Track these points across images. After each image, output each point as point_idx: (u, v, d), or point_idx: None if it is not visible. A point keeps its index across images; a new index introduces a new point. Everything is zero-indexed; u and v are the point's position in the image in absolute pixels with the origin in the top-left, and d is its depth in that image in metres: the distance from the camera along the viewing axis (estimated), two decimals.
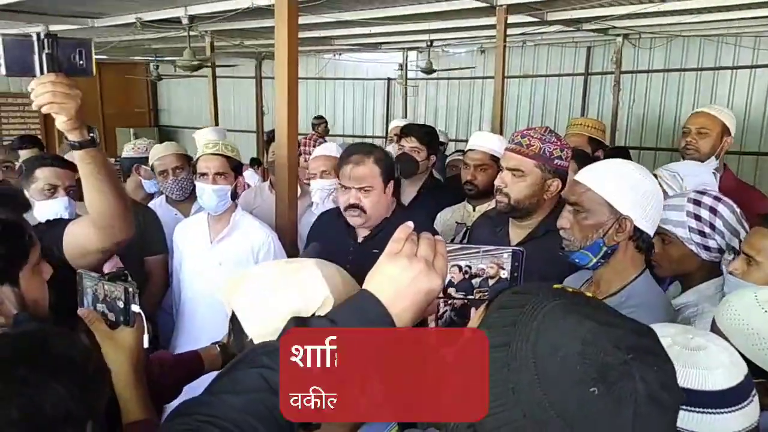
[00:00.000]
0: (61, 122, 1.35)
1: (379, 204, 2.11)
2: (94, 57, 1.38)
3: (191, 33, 5.22)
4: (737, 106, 7.30)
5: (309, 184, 3.05)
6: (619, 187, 1.42)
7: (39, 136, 6.99)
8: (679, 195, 1.81)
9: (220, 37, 6.32)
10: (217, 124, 6.36)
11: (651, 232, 1.45)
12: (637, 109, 8.21)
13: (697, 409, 0.90)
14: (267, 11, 4.13)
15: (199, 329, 2.39)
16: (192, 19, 4.93)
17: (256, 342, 0.90)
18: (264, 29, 5.70)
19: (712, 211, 1.64)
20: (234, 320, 0.96)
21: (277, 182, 2.72)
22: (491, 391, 0.63)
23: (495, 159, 2.64)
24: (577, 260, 1.49)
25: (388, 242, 0.83)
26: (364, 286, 0.82)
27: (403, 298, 0.79)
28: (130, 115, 12.92)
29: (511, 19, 4.86)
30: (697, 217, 1.63)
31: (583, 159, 2.63)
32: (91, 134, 1.40)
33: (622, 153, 3.93)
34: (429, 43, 7.42)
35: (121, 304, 1.15)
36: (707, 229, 1.63)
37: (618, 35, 7.28)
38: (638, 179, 1.44)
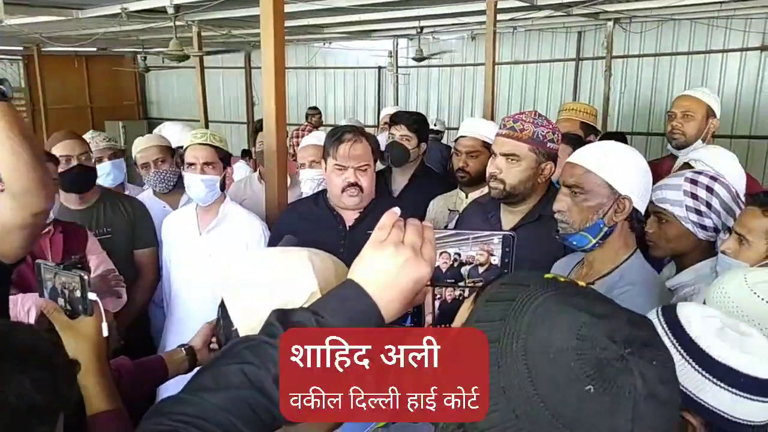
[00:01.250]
0: None
1: (372, 182, 2.11)
2: None
3: (177, 23, 5.15)
4: (728, 89, 7.30)
5: (297, 174, 3.01)
6: (618, 167, 1.42)
7: None
8: (675, 174, 1.80)
9: (207, 26, 6.24)
10: (206, 115, 6.30)
11: (643, 210, 1.46)
12: (628, 94, 8.19)
13: (747, 395, 0.88)
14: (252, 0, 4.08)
15: (190, 321, 2.35)
16: (178, 8, 4.86)
17: (241, 333, 0.88)
18: (252, 18, 5.63)
19: (709, 190, 1.65)
20: (223, 307, 0.93)
21: (266, 172, 2.69)
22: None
23: (486, 145, 2.61)
24: (575, 243, 1.47)
25: (375, 228, 0.79)
26: (348, 276, 0.78)
27: (390, 287, 0.76)
28: (119, 108, 12.80)
29: (501, 4, 4.83)
30: (694, 196, 1.64)
31: (577, 143, 2.61)
32: (1, 86, 1.26)
33: (618, 138, 3.91)
34: (419, 30, 7.37)
35: (78, 294, 1.14)
36: (704, 208, 1.63)
37: (609, 20, 7.25)
38: (634, 159, 1.44)
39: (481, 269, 0.89)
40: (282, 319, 0.74)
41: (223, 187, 2.49)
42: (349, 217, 2.14)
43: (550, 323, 0.59)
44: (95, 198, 2.66)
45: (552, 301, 0.61)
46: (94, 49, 9.93)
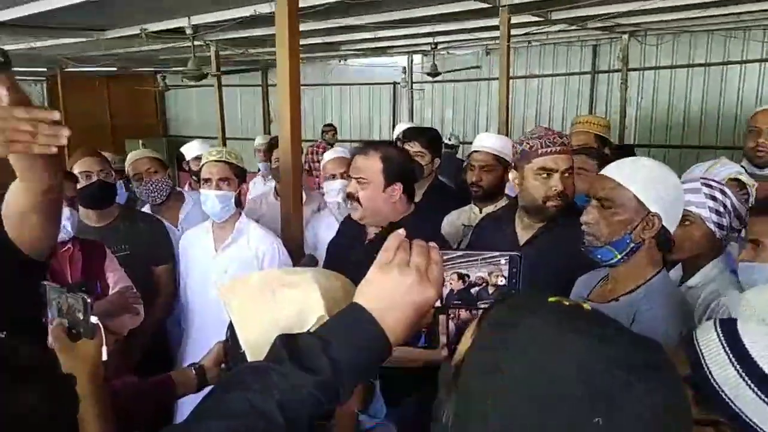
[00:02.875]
0: None
1: (377, 201, 2.03)
2: None
3: (196, 43, 5.25)
4: (747, 101, 7.21)
5: (320, 189, 3.02)
6: (649, 183, 1.41)
7: None
8: (690, 180, 1.84)
9: (224, 46, 6.35)
10: (223, 132, 6.39)
11: (672, 229, 1.45)
12: (645, 106, 8.13)
13: None
14: (269, 19, 4.15)
15: (207, 338, 2.35)
16: (196, 28, 4.96)
17: (248, 356, 0.88)
18: (268, 37, 5.71)
19: (722, 193, 1.74)
20: (231, 329, 0.94)
21: (282, 188, 2.72)
22: (484, 418, 0.58)
23: (499, 160, 2.61)
24: (600, 256, 1.46)
25: (380, 250, 0.79)
26: (354, 299, 0.78)
27: (395, 310, 0.75)
28: (140, 127, 12.99)
29: (515, 19, 4.84)
30: (713, 198, 1.72)
31: (600, 157, 2.60)
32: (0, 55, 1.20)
33: (627, 151, 3.89)
34: (434, 46, 7.41)
35: (81, 316, 1.15)
36: (722, 209, 1.71)
37: (624, 32, 7.23)
38: (666, 177, 1.44)
39: (490, 290, 0.89)
40: (288, 345, 0.74)
41: (238, 203, 2.51)
42: (371, 232, 2.12)
43: (552, 350, 0.58)
44: (114, 215, 2.70)
45: (554, 326, 0.60)
46: (115, 69, 10.13)
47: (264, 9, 4.15)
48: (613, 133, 7.73)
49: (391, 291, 0.76)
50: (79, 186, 2.47)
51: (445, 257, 0.84)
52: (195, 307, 2.58)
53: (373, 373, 0.84)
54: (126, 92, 12.53)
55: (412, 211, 2.14)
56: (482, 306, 0.90)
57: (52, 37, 5.40)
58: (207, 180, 2.44)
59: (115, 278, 2.37)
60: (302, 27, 2.70)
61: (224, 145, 6.40)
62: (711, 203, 1.71)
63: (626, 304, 1.41)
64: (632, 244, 1.41)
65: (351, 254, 2.06)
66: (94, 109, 12.30)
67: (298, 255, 2.53)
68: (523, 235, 1.97)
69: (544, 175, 1.90)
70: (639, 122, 8.16)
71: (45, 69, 10.11)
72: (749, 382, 0.89)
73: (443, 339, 1.01)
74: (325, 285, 0.92)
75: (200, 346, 2.39)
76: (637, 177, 1.41)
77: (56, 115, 1.11)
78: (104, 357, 1.18)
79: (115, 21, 5.04)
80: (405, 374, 1.43)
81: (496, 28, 5.47)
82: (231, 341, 0.93)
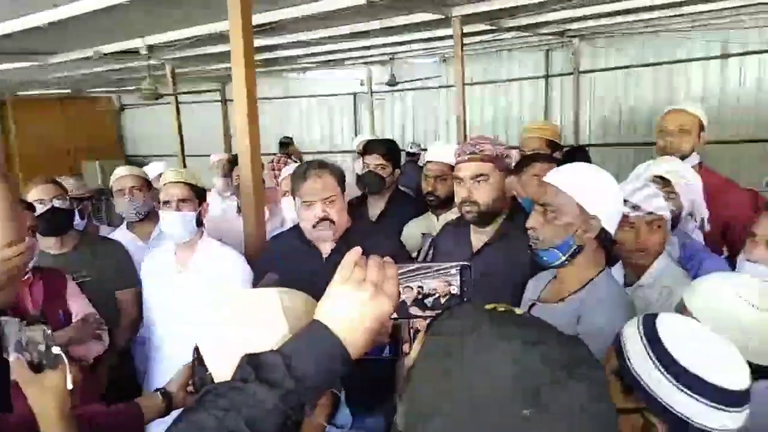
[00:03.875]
0: None
1: (343, 213, 2.13)
2: None
3: (151, 62, 5.21)
4: (693, 98, 7.50)
5: (278, 205, 3.05)
6: (588, 189, 1.48)
7: None
8: (645, 186, 1.88)
9: (181, 64, 6.31)
10: (183, 150, 6.34)
11: (613, 230, 1.52)
12: (598, 107, 8.37)
13: (710, 404, 0.95)
14: (225, 37, 4.16)
15: (173, 360, 2.35)
16: (151, 48, 4.92)
17: (215, 377, 0.90)
18: (224, 54, 5.70)
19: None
20: (197, 351, 0.96)
21: (243, 204, 2.72)
22: (433, 422, 0.62)
23: (452, 168, 2.69)
24: (545, 258, 1.53)
25: (338, 268, 0.83)
26: (315, 316, 0.82)
27: (354, 324, 0.80)
28: (97, 148, 12.74)
29: (467, 28, 4.95)
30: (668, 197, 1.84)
31: (549, 161, 2.69)
32: None
33: (581, 152, 4.01)
34: (391, 57, 7.50)
35: (42, 348, 1.15)
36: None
37: (574, 36, 7.44)
38: (604, 182, 1.51)
39: (443, 300, 0.94)
40: (253, 363, 0.77)
41: (200, 222, 2.51)
42: (325, 249, 2.16)
43: (488, 353, 0.63)
44: (74, 242, 2.67)
45: (489, 332, 0.65)
46: (69, 90, 9.94)
47: (221, 27, 4.15)
48: (568, 134, 7.98)
49: (349, 306, 0.80)
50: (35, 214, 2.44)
51: (400, 271, 0.88)
52: (160, 330, 2.56)
53: (335, 384, 0.88)
54: (82, 114, 12.30)
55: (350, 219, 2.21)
56: (433, 314, 0.95)
57: None
58: (167, 202, 2.44)
59: (78, 306, 2.35)
60: (259, 42, 2.72)
61: (184, 162, 6.35)
62: (670, 204, 1.82)
63: (572, 305, 1.48)
64: (575, 246, 1.48)
65: (307, 273, 2.08)
66: (50, 132, 12.02)
67: (261, 272, 2.54)
68: (476, 243, 2.04)
69: (459, 182, 2.01)
70: (592, 123, 8.39)
71: None
72: (662, 369, 0.96)
73: (405, 347, 1.06)
74: (287, 304, 0.95)
75: (167, 367, 2.38)
76: (577, 182, 1.49)
77: None
78: (69, 386, 1.17)
79: (66, 44, 4.96)
80: (374, 384, 1.47)
81: (450, 37, 5.59)
82: (197, 364, 0.95)
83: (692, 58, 7.55)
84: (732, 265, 1.95)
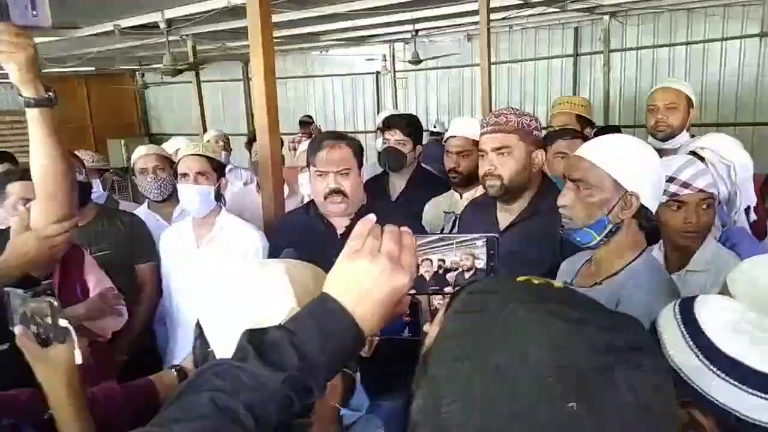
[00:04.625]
0: (12, 74, 1.31)
1: (358, 188, 2.05)
2: (48, 6, 1.32)
3: (170, 38, 5.16)
4: (729, 78, 7.24)
5: (298, 184, 2.99)
6: (625, 162, 1.36)
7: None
8: (690, 162, 1.76)
9: (201, 40, 6.25)
10: (204, 127, 6.31)
11: (654, 208, 1.40)
12: (628, 87, 8.13)
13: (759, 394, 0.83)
14: (245, 10, 4.08)
15: (192, 337, 2.33)
16: (170, 23, 4.87)
17: (217, 354, 0.84)
18: (245, 29, 5.63)
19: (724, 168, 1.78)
20: (199, 327, 0.90)
21: (262, 181, 2.67)
22: (452, 410, 0.54)
23: (477, 144, 2.59)
24: (578, 239, 1.43)
25: (349, 237, 0.75)
26: (324, 289, 0.74)
27: (367, 299, 0.72)
28: (121, 126, 12.83)
29: (494, 2, 4.79)
30: (715, 176, 1.72)
31: (574, 137, 2.58)
32: (49, 93, 1.34)
33: (613, 131, 3.87)
34: (414, 33, 7.35)
35: (49, 320, 1.10)
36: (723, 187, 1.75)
37: (605, 13, 7.21)
38: (644, 154, 1.39)
39: (467, 275, 0.85)
40: (254, 341, 0.70)
41: (218, 197, 2.47)
42: (340, 225, 2.09)
43: (523, 335, 0.54)
44: (92, 215, 2.64)
45: (524, 309, 0.56)
46: (93, 68, 9.97)
47: (237, 0, 4.07)
48: (598, 114, 7.75)
49: (361, 279, 0.72)
50: None
51: (419, 242, 0.80)
52: (179, 306, 2.53)
53: (346, 364, 0.80)
54: (105, 92, 12.36)
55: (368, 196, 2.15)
56: (456, 290, 0.87)
57: None
58: (185, 175, 2.39)
59: (95, 280, 2.31)
60: (279, 18, 2.65)
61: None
62: (720, 182, 1.72)
63: (609, 288, 1.38)
64: (611, 226, 1.37)
65: (322, 252, 2.03)
66: (74, 111, 12.11)
67: (278, 249, 2.49)
68: (503, 221, 1.94)
69: (483, 156, 1.91)
70: (623, 103, 8.16)
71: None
72: (703, 358, 0.86)
73: (426, 328, 0.98)
74: (295, 275, 0.88)
75: (186, 344, 2.36)
76: (612, 156, 1.37)
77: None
78: (78, 360, 1.13)
79: (86, 17, 4.94)
80: (392, 364, 1.40)
81: (475, 12, 5.43)
82: (198, 341, 0.89)
83: (728, 37, 7.27)
84: None
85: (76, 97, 12.17)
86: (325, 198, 2.02)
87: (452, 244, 0.84)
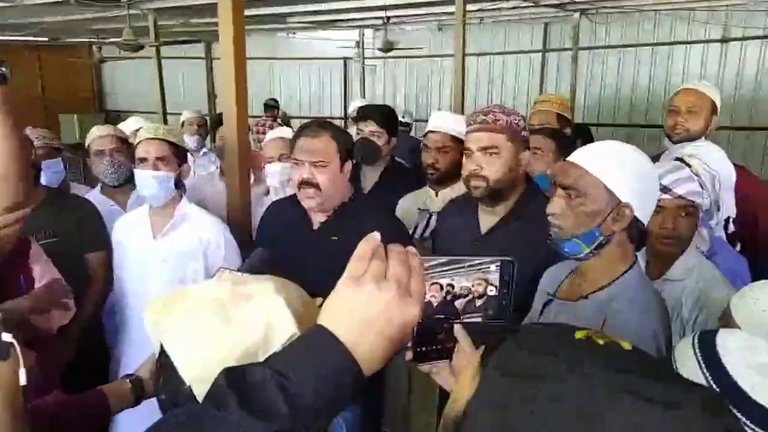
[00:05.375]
0: None
1: (335, 183, 1.92)
2: None
3: (131, 11, 4.88)
4: (691, 80, 7.35)
5: (263, 170, 2.86)
6: (621, 171, 1.28)
7: None
8: (677, 168, 1.72)
9: (163, 15, 5.96)
10: (164, 107, 6.04)
11: (646, 221, 1.33)
12: (594, 85, 8.21)
13: None
14: None
15: (143, 336, 2.18)
16: None
17: (197, 391, 0.70)
18: (210, 5, 5.39)
19: (710, 180, 1.71)
20: (164, 357, 0.75)
21: (227, 169, 2.53)
22: None
23: (456, 140, 2.50)
24: (566, 250, 1.35)
25: (348, 261, 0.64)
26: (319, 320, 0.63)
27: (371, 334, 0.61)
28: (74, 101, 12.27)
29: None
30: (702, 185, 1.65)
31: (560, 137, 2.51)
32: (2, 68, 1.25)
33: (583, 131, 3.85)
34: (386, 20, 7.21)
35: None
36: (708, 197, 1.68)
37: (575, 11, 7.22)
38: (640, 164, 1.31)
39: (478, 302, 0.75)
40: (236, 383, 0.58)
41: (178, 185, 2.31)
42: (316, 219, 1.98)
43: (600, 421, 0.44)
44: (39, 200, 2.44)
45: (597, 383, 0.46)
46: (46, 39, 9.45)
47: None
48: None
49: (365, 310, 0.61)
50: None
51: (426, 264, 0.70)
52: (131, 298, 2.37)
53: (341, 409, 0.69)
54: (59, 64, 11.77)
55: (354, 192, 2.04)
56: (468, 320, 0.77)
57: None
58: (143, 159, 2.22)
59: (41, 270, 2.13)
60: None
61: (165, 120, 6.06)
62: (704, 191, 1.65)
63: (597, 303, 1.30)
64: (601, 237, 1.30)
65: (294, 245, 1.91)
66: (24, 82, 11.50)
67: (245, 242, 2.35)
68: (485, 224, 1.86)
69: (468, 155, 1.83)
70: (588, 101, 8.23)
71: None
72: (733, 410, 0.79)
73: (408, 354, 0.88)
74: (287, 296, 0.75)
75: (139, 345, 2.21)
76: (607, 164, 1.29)
77: None
78: (23, 381, 0.98)
79: None
80: None
81: (449, 2, 5.34)
82: (165, 374, 0.76)
83: (692, 41, 7.40)
84: (754, 264, 1.82)
85: (26, 68, 11.55)
86: (299, 188, 1.91)
87: (462, 267, 0.74)
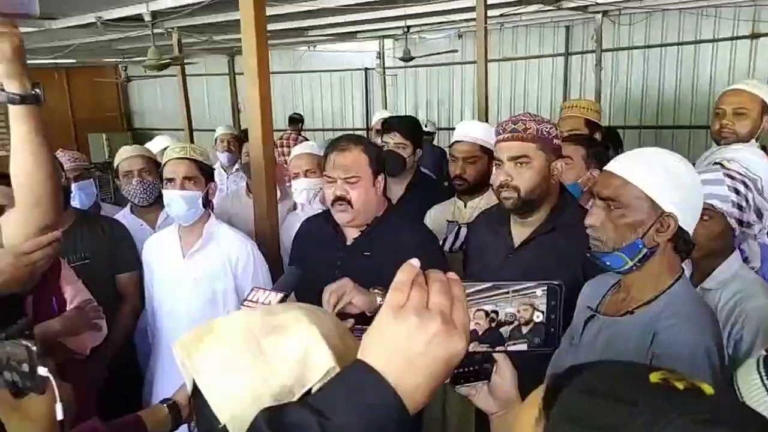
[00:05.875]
0: None
1: (368, 198, 1.89)
2: None
3: (155, 30, 4.96)
4: (720, 79, 7.20)
5: (290, 186, 2.85)
6: (663, 180, 1.23)
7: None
8: (708, 170, 1.66)
9: (187, 33, 6.05)
10: (190, 124, 6.11)
11: (691, 230, 1.27)
12: (619, 87, 8.08)
13: None
14: (233, 3, 3.91)
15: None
16: (155, 15, 4.67)
17: (231, 428, 0.67)
18: (233, 23, 5.45)
19: (745, 185, 1.59)
20: (198, 396, 0.72)
21: (254, 185, 2.52)
22: None
23: (484, 150, 2.46)
24: (609, 263, 1.29)
25: (390, 288, 0.60)
26: (359, 354, 0.59)
27: (414, 369, 0.57)
28: (103, 120, 12.51)
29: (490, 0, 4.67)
30: (737, 191, 1.57)
31: (591, 143, 2.44)
32: (36, 89, 1.24)
33: (612, 134, 3.77)
34: (406, 30, 7.20)
35: (26, 367, 0.93)
36: (744, 203, 1.57)
37: (597, 12, 7.13)
38: (683, 171, 1.25)
39: (524, 329, 0.71)
40: (275, 425, 0.55)
41: (206, 204, 2.31)
42: (350, 235, 1.96)
43: None
44: (70, 221, 2.47)
45: None
46: (74, 60, 9.67)
47: None
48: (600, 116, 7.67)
49: (409, 345, 0.58)
50: None
51: (468, 290, 0.66)
52: (162, 318, 2.37)
53: None
54: (87, 85, 12.03)
55: (387, 206, 2.01)
56: (513, 349, 0.73)
57: None
58: (170, 179, 2.23)
59: (73, 292, 2.15)
60: (268, 11, 2.49)
61: (191, 137, 6.12)
62: (734, 197, 1.55)
63: (644, 319, 1.25)
64: (645, 249, 1.24)
65: (328, 261, 1.89)
66: (54, 103, 11.77)
67: (273, 260, 2.34)
68: (518, 237, 1.81)
69: (498, 165, 1.78)
70: (613, 103, 8.10)
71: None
72: None
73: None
74: (320, 325, 0.72)
75: (170, 367, 2.20)
76: (648, 172, 1.24)
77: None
78: (60, 416, 0.95)
79: (67, 8, 4.72)
80: None
81: (469, 9, 5.31)
82: (197, 414, 0.73)
83: (719, 38, 7.23)
84: None
85: (56, 90, 11.83)
86: (332, 205, 1.90)
87: (507, 292, 0.71)
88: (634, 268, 1.27)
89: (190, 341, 0.74)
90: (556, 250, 1.66)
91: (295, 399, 0.66)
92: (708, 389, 0.46)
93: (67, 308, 2.13)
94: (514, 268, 1.71)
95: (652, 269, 1.27)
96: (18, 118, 1.24)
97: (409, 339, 0.58)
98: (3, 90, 1.24)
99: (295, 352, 0.68)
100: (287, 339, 0.70)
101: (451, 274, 0.63)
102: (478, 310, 0.69)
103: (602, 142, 2.74)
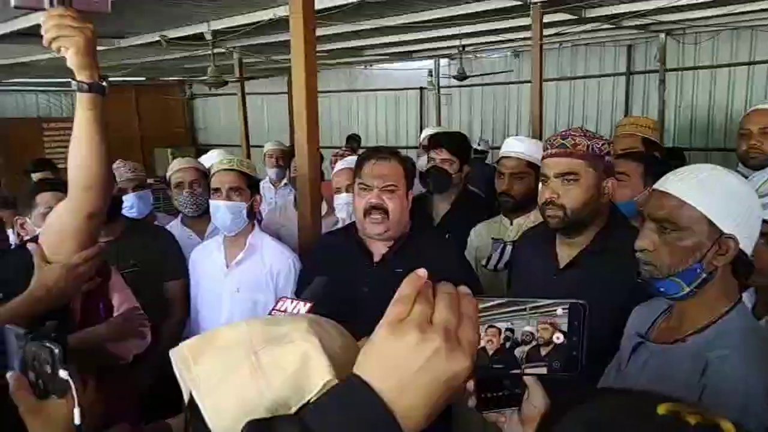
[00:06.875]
0: (69, 58, 1.30)
1: (403, 210, 1.86)
2: None
3: (216, 50, 5.13)
4: None
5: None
6: (722, 199, 1.14)
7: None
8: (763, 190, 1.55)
9: (247, 52, 6.23)
10: (247, 140, 6.27)
11: (750, 251, 1.17)
12: (684, 108, 7.76)
13: None
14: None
15: None
16: (215, 34, 4.84)
17: None
18: (289, 43, 5.58)
19: None
20: (192, 407, 0.69)
21: (299, 199, 2.54)
22: None
23: (532, 166, 2.38)
24: (663, 290, 1.21)
25: (391, 301, 0.56)
26: (355, 369, 0.56)
27: (413, 388, 0.54)
28: (168, 136, 13.03)
29: (547, 18, 4.60)
30: None
31: (651, 162, 2.33)
32: (103, 81, 1.34)
33: (677, 155, 3.60)
34: (461, 49, 7.18)
35: (48, 369, 0.94)
36: None
37: (661, 31, 6.90)
38: (742, 191, 1.17)
39: (543, 351, 0.65)
40: None
41: (251, 215, 2.33)
42: (378, 251, 1.90)
43: None
44: (121, 229, 2.55)
45: None
46: (143, 78, 10.14)
47: (282, 12, 3.99)
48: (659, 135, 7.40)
49: (406, 362, 0.54)
50: None
51: (481, 305, 0.61)
52: (206, 328, 2.39)
53: None
54: (154, 102, 12.61)
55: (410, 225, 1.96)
56: (531, 372, 0.67)
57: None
58: (216, 190, 2.27)
59: (120, 299, 2.21)
60: (322, 31, 2.54)
61: (248, 152, 6.28)
62: None
63: (695, 348, 1.15)
64: (704, 274, 1.15)
65: (353, 279, 1.82)
66: (124, 120, 12.37)
67: (317, 273, 2.33)
68: (563, 257, 1.72)
69: (544, 181, 1.70)
70: (678, 124, 7.78)
71: (70, 79, 10.17)
72: None
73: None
74: (324, 337, 0.69)
75: None
76: (705, 192, 1.15)
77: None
78: (77, 421, 0.95)
79: (133, 28, 4.96)
80: None
81: (525, 28, 5.23)
82: (191, 425, 0.71)
83: None
84: None
85: (124, 106, 12.43)
86: (365, 215, 1.84)
87: (524, 309, 0.65)
88: (690, 294, 1.18)
89: (186, 351, 0.72)
90: (604, 272, 1.57)
91: (291, 412, 0.63)
92: (727, 427, 0.40)
93: (114, 315, 2.19)
94: (559, 290, 1.63)
95: (708, 295, 1.18)
96: (83, 106, 1.34)
97: (407, 355, 0.54)
98: (74, 79, 1.34)
99: (292, 365, 0.65)
100: (286, 351, 0.67)
101: (463, 288, 0.59)
102: (490, 326, 0.64)
103: (665, 161, 2.61)
